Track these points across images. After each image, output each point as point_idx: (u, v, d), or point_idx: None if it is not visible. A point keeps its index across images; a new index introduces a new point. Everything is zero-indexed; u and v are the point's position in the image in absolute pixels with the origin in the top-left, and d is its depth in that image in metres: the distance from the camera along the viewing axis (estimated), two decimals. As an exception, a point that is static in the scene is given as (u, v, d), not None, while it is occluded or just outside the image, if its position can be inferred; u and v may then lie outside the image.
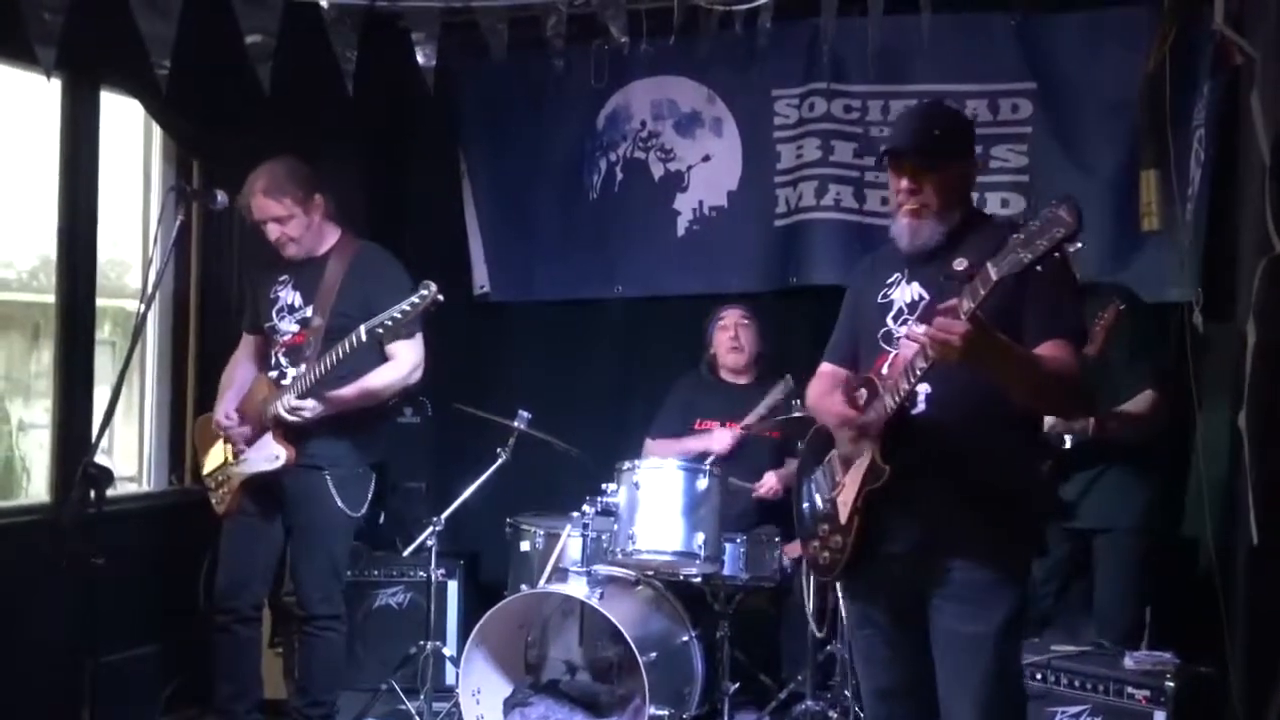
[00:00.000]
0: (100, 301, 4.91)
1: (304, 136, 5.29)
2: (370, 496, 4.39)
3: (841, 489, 2.99)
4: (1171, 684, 3.71)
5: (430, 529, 4.81)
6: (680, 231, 5.74)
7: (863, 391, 2.91)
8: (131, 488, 5.25)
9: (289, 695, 4.66)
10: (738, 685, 4.75)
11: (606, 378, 5.89)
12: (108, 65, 4.62)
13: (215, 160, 5.07)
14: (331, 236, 4.38)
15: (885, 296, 3.05)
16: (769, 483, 5.00)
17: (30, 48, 4.03)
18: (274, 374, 4.31)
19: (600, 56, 5.53)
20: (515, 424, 4.93)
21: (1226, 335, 4.05)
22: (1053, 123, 5.06)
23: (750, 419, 5.00)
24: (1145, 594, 4.35)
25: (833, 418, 3.02)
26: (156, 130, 5.18)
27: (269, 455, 4.22)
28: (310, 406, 4.13)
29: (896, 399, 2.80)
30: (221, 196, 4.10)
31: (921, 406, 2.87)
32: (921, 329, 2.74)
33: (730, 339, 5.18)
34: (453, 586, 5.38)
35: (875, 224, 5.33)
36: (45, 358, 4.86)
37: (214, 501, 4.37)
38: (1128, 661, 3.87)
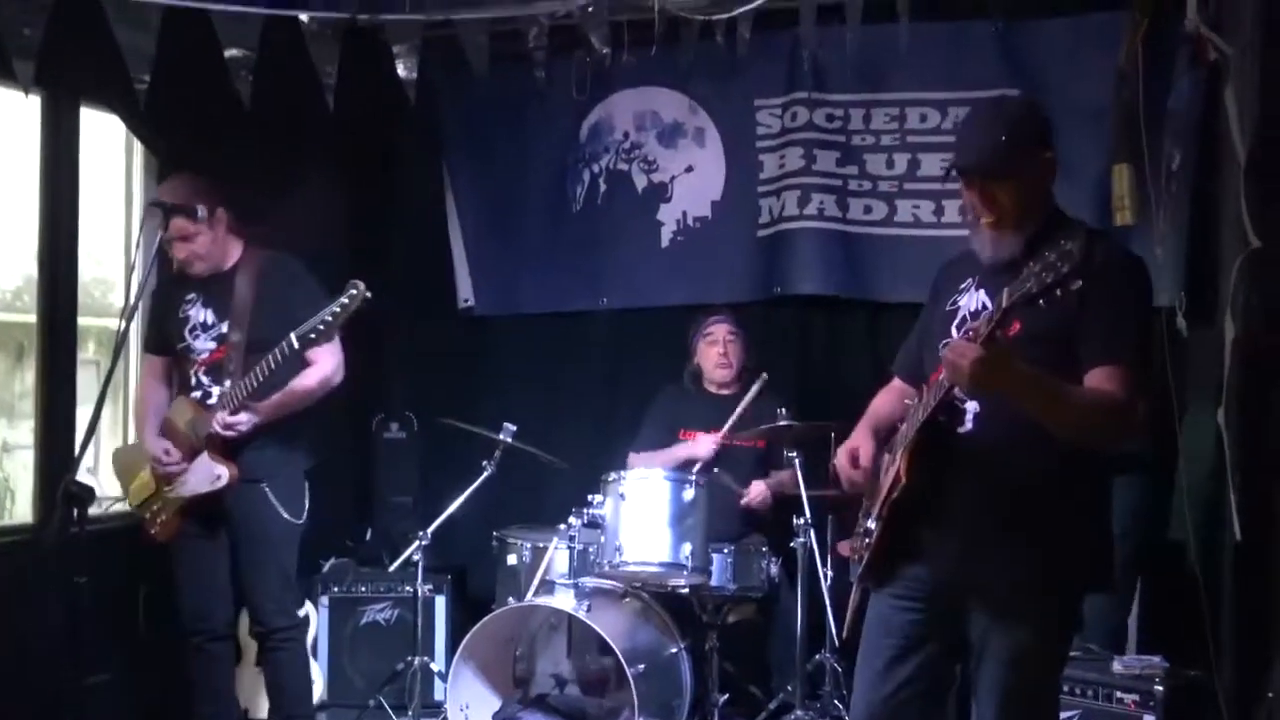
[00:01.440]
0: (83, 320, 4.89)
1: (285, 151, 5.31)
2: (308, 500, 4.34)
3: (876, 495, 2.93)
4: (1160, 688, 3.72)
5: (416, 544, 4.81)
6: (664, 242, 5.76)
7: (916, 399, 2.87)
8: (116, 507, 5.22)
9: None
10: (727, 696, 4.76)
11: (592, 390, 5.89)
12: (87, 80, 4.61)
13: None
14: (236, 249, 4.32)
15: (954, 304, 2.93)
16: (757, 491, 5.00)
17: (8, 63, 4.03)
18: (197, 394, 4.25)
19: (582, 68, 5.54)
20: (501, 437, 4.93)
21: (1209, 338, 4.07)
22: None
23: (730, 421, 4.99)
24: (1126, 600, 4.33)
25: (840, 453, 3.02)
26: (137, 146, 5.17)
27: (209, 476, 4.15)
28: (245, 420, 4.09)
29: (924, 413, 2.73)
30: (203, 211, 4.11)
31: (969, 425, 2.78)
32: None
33: (719, 354, 5.18)
34: (440, 601, 5.37)
35: (858, 232, 5.37)
36: (30, 378, 4.84)
37: (152, 530, 4.31)
38: (1116, 666, 3.88)
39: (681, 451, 5.03)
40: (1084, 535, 2.80)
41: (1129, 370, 2.67)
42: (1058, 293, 2.48)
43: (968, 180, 2.84)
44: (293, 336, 3.94)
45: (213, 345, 4.25)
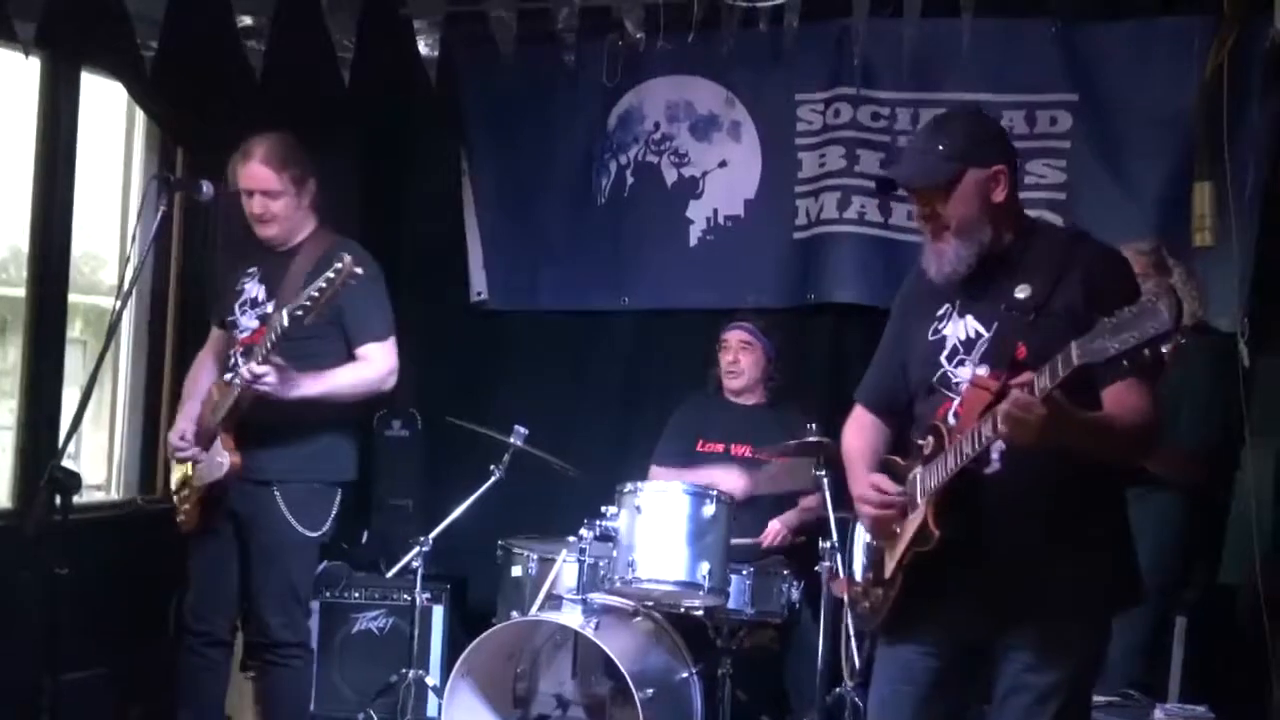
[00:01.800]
0: (72, 297, 4.90)
1: (296, 128, 5.29)
2: (334, 516, 4.30)
3: (891, 541, 2.93)
4: (1205, 739, 3.70)
5: (416, 550, 4.79)
6: (692, 241, 5.74)
7: (929, 440, 2.85)
8: (100, 496, 5.24)
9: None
10: (739, 726, 4.73)
11: (609, 394, 5.88)
12: (90, 44, 4.62)
13: (201, 149, 5.05)
14: (308, 227, 4.31)
15: (936, 332, 2.94)
16: (773, 531, 4.99)
17: (8, 23, 4.03)
18: (229, 376, 4.21)
19: (614, 53, 5.54)
20: (511, 440, 4.91)
21: (1271, 367, 4.04)
22: (1094, 137, 5.05)
23: (762, 490, 4.97)
24: (1158, 649, 4.28)
25: (858, 500, 3.00)
26: (140, 116, 5.18)
27: (215, 462, 4.14)
28: (271, 372, 3.97)
29: (958, 463, 2.73)
30: (207, 187, 4.09)
31: (996, 465, 2.78)
32: (984, 373, 2.73)
33: (729, 362, 5.16)
34: (438, 612, 5.35)
35: (900, 239, 5.33)
36: (12, 355, 4.85)
37: (179, 519, 4.32)
38: (1158, 714, 3.86)
39: (709, 478, 4.96)
40: (1116, 555, 2.88)
41: (1147, 381, 2.73)
42: (1061, 309, 2.66)
43: (911, 193, 2.93)
44: (283, 313, 3.90)
45: (255, 324, 4.22)
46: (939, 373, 2.90)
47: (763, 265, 5.62)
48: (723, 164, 5.68)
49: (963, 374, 2.85)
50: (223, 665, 4.43)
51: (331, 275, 3.84)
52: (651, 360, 5.84)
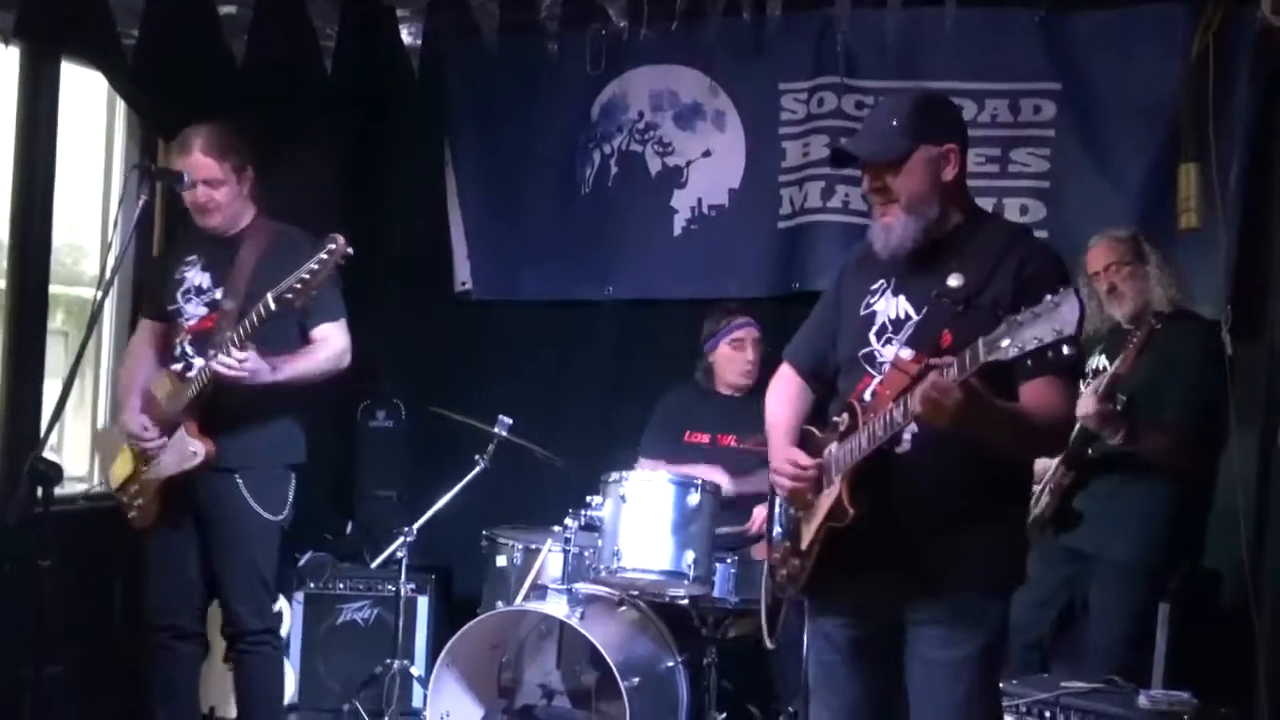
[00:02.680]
0: (54, 288, 4.88)
1: (278, 117, 5.28)
2: (291, 500, 4.28)
3: (808, 512, 3.00)
4: (1189, 726, 3.70)
5: (401, 540, 4.79)
6: (677, 231, 5.73)
7: (844, 417, 2.92)
8: (82, 488, 5.21)
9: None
10: (725, 716, 4.72)
11: (594, 384, 5.87)
12: (70, 33, 4.59)
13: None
14: (248, 215, 4.28)
15: (868, 306, 3.00)
16: (759, 519, 4.98)
17: (-12, 13, 4.02)
18: (178, 366, 4.18)
19: (597, 41, 5.52)
20: (495, 430, 4.91)
21: (1256, 353, 4.04)
22: (1077, 125, 5.05)
23: (747, 489, 4.96)
24: (1143, 636, 4.29)
25: (774, 472, 3.07)
26: (120, 105, 5.15)
27: (184, 452, 4.09)
28: (249, 358, 3.94)
29: (871, 442, 2.80)
30: (188, 177, 4.07)
31: (907, 445, 2.85)
32: (907, 355, 2.78)
33: (747, 361, 5.09)
34: (423, 602, 5.35)
35: (885, 228, 5.31)
36: (-7, 347, 4.83)
37: (130, 515, 4.25)
38: (1142, 700, 3.85)
39: (697, 473, 4.96)
40: (1017, 533, 3.02)
41: (1066, 378, 2.82)
42: (990, 303, 2.74)
43: (863, 169, 2.99)
44: (269, 296, 3.88)
45: (203, 311, 4.18)
46: (866, 349, 2.97)
47: (747, 254, 5.60)
48: (707, 153, 5.67)
49: (887, 353, 2.91)
50: (194, 657, 4.39)
51: (325, 256, 3.82)
52: (636, 350, 5.84)
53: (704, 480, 4.67)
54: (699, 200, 5.69)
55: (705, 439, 5.15)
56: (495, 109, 5.87)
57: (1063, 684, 4.01)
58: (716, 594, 4.66)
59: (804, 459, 3.00)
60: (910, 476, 2.86)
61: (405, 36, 4.80)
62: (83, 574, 4.57)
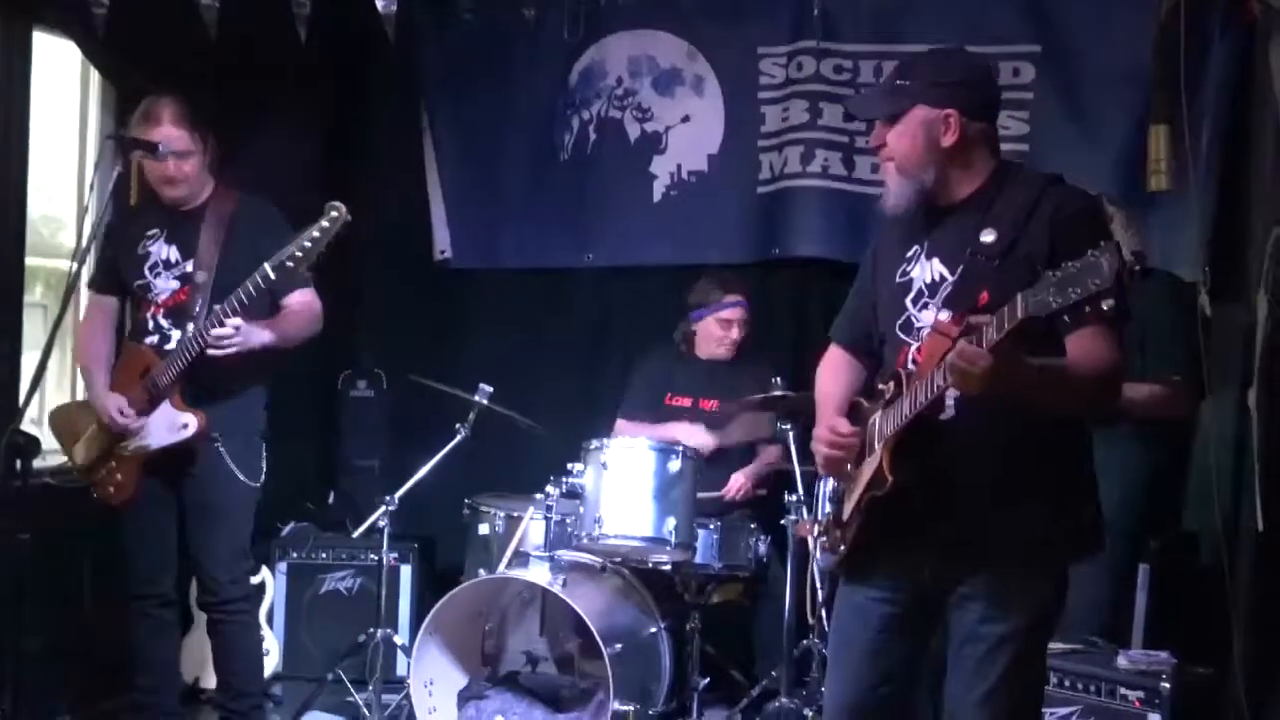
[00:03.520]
0: (31, 261, 4.85)
1: (252, 85, 5.25)
2: (265, 463, 4.28)
3: (851, 483, 2.94)
4: (1167, 685, 3.71)
5: (383, 509, 4.78)
6: (657, 197, 5.72)
7: (890, 385, 2.84)
8: (61, 460, 5.19)
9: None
10: (708, 681, 4.76)
11: (574, 351, 5.88)
12: (42, 2, 4.54)
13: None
14: (209, 186, 4.25)
15: (905, 274, 2.91)
16: (735, 485, 5.00)
17: (-44, -18, 3.97)
18: (153, 339, 4.15)
19: (574, 8, 5.50)
20: (476, 398, 4.90)
21: (1232, 315, 4.05)
22: (1056, 89, 5.04)
23: (729, 440, 4.99)
24: (1121, 597, 4.31)
25: (815, 439, 3.00)
26: (94, 75, 5.11)
27: (174, 425, 4.07)
28: (236, 330, 3.92)
29: (913, 409, 2.72)
30: (164, 147, 4.05)
31: (951, 411, 2.77)
32: (945, 318, 2.70)
33: (730, 338, 5.13)
34: (406, 571, 5.35)
35: (865, 193, 5.30)
36: (-30, 320, 4.80)
37: (106, 492, 4.23)
38: (1121, 660, 3.88)
39: (675, 434, 4.98)
40: (1075, 502, 2.86)
41: (1113, 329, 2.71)
42: (1025, 255, 2.65)
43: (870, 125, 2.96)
44: (266, 266, 3.86)
45: (175, 285, 4.15)
46: (903, 316, 2.89)
47: (727, 220, 5.60)
48: (686, 119, 5.65)
49: (926, 318, 2.84)
50: (174, 625, 4.41)
51: (326, 224, 3.82)
52: (616, 317, 5.85)
53: (685, 446, 4.69)
54: (678, 166, 5.68)
55: (687, 402, 5.18)
56: (472, 76, 5.84)
57: (1043, 645, 4.03)
58: (699, 560, 4.69)
59: (844, 426, 2.93)
60: (955, 444, 2.77)
61: (380, 3, 4.73)
62: (62, 546, 4.55)
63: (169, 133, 4.08)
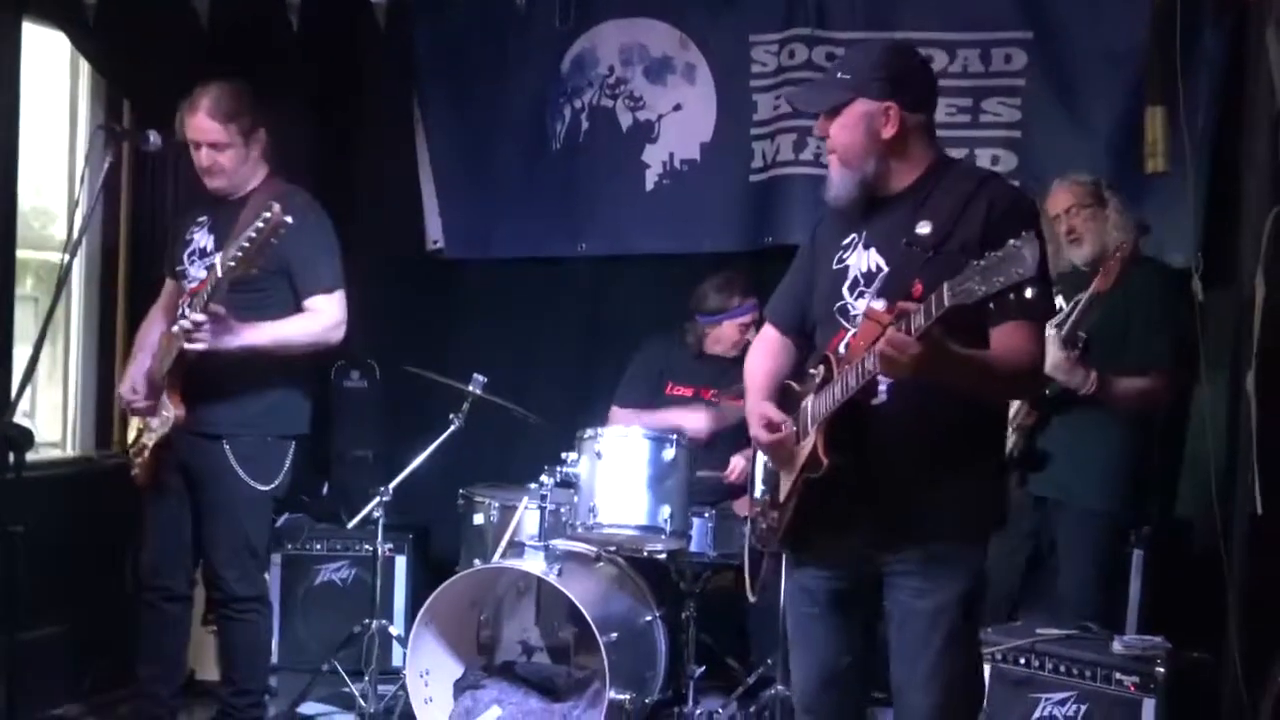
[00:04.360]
0: (21, 253, 4.84)
1: (244, 75, 5.22)
2: (287, 469, 4.26)
3: (787, 465, 3.01)
4: (1162, 670, 3.72)
5: (377, 500, 4.77)
6: (649, 186, 5.71)
7: (820, 369, 2.91)
8: (55, 453, 5.19)
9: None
10: (704, 669, 4.76)
11: (568, 340, 5.87)
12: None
13: (147, 98, 4.98)
14: (258, 177, 4.25)
15: (840, 261, 3.00)
16: (737, 467, 5.00)
17: (-56, -28, 3.95)
18: (175, 328, 4.13)
19: (566, -6, 5.49)
20: (470, 388, 4.89)
21: (1225, 299, 4.05)
22: (1048, 74, 5.05)
23: (730, 419, 4.98)
24: (1113, 581, 4.32)
25: (751, 421, 3.07)
26: (84, 66, 5.09)
27: (164, 416, 4.12)
28: (206, 321, 3.90)
29: (844, 393, 2.79)
30: (154, 137, 4.03)
31: (883, 396, 2.84)
32: (879, 306, 2.75)
33: (746, 340, 5.07)
34: (400, 561, 5.36)
35: (857, 180, 5.31)
36: (-40, 313, 4.79)
37: (133, 473, 4.29)
38: (1116, 646, 3.89)
39: (672, 419, 4.97)
40: (993, 482, 3.06)
41: (1034, 323, 2.81)
42: (959, 248, 2.73)
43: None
44: (215, 262, 3.86)
45: (203, 274, 4.12)
46: (839, 303, 2.97)
47: (720, 209, 5.60)
48: (678, 107, 5.65)
49: (860, 305, 2.90)
50: (182, 619, 4.41)
51: (260, 225, 3.77)
52: (610, 306, 5.84)
53: (679, 434, 4.68)
54: (670, 155, 5.67)
55: (689, 392, 5.17)
56: (464, 65, 5.83)
57: (1038, 631, 4.05)
58: (694, 548, 4.69)
59: (774, 414, 3.01)
60: (886, 427, 2.84)
61: (371, -8, 4.75)
62: (56, 540, 4.54)
63: (201, 123, 4.10)
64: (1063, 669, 3.89)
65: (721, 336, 5.14)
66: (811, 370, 2.97)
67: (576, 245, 5.81)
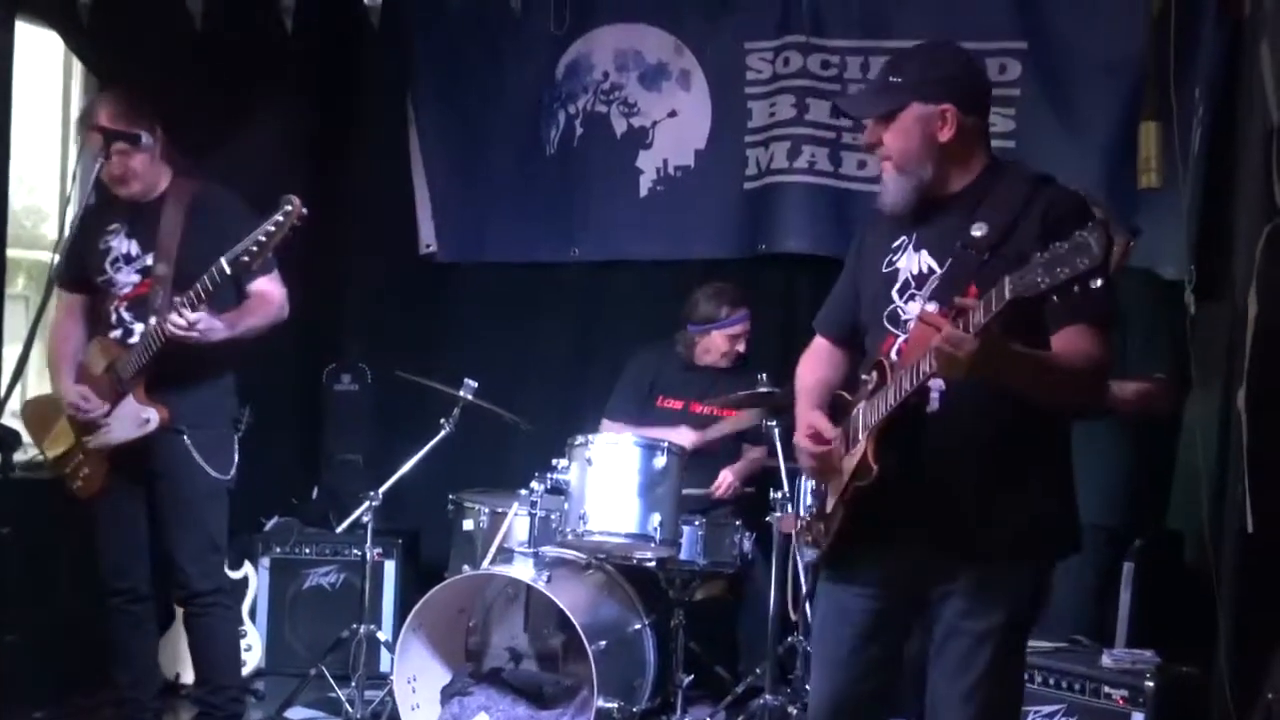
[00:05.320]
0: (13, 252, 4.83)
1: (238, 77, 5.23)
2: (236, 459, 4.23)
3: (836, 475, 2.91)
4: (1151, 684, 3.72)
5: (366, 505, 4.76)
6: (643, 192, 5.71)
7: (873, 375, 2.83)
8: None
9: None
10: (692, 677, 4.75)
11: (560, 346, 5.87)
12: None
13: (141, 99, 4.95)
14: (165, 178, 4.20)
15: (890, 264, 2.89)
16: (724, 482, 5.00)
17: (-63, -28, 3.94)
18: (117, 333, 4.12)
19: (561, 0, 5.47)
20: (460, 393, 4.88)
21: (1216, 314, 4.05)
22: (1043, 85, 5.05)
23: (713, 434, 4.99)
24: (1105, 595, 4.31)
25: (798, 431, 2.97)
26: (77, 66, 5.09)
27: (137, 419, 4.05)
28: (203, 318, 3.88)
29: (897, 398, 2.70)
30: (147, 138, 4.02)
31: (935, 405, 2.75)
32: (933, 309, 2.66)
33: (736, 350, 5.13)
34: (389, 566, 5.35)
35: (851, 189, 5.33)
36: (-49, 312, 4.77)
37: (74, 485, 4.19)
38: (1105, 659, 3.88)
39: (659, 435, 4.96)
40: (1057, 499, 2.85)
41: (1102, 329, 2.71)
42: (1015, 251, 2.58)
43: (864, 123, 2.93)
44: (223, 261, 3.83)
45: (136, 279, 4.12)
46: (889, 307, 2.87)
47: (713, 216, 5.60)
48: (672, 114, 5.65)
49: (912, 309, 2.81)
50: (148, 621, 4.37)
51: (280, 218, 3.76)
52: (602, 312, 5.84)
53: (670, 442, 4.67)
54: (665, 161, 5.68)
55: (678, 405, 5.17)
56: (458, 69, 5.83)
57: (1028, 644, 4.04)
58: (684, 556, 4.68)
59: (824, 426, 2.91)
60: (939, 436, 2.75)
61: (365, -5, 4.73)
62: (41, 541, 4.53)
63: (109, 131, 4.01)
64: (1052, 682, 3.87)
65: (711, 346, 5.14)
66: (864, 377, 2.87)
67: (569, 250, 5.81)
